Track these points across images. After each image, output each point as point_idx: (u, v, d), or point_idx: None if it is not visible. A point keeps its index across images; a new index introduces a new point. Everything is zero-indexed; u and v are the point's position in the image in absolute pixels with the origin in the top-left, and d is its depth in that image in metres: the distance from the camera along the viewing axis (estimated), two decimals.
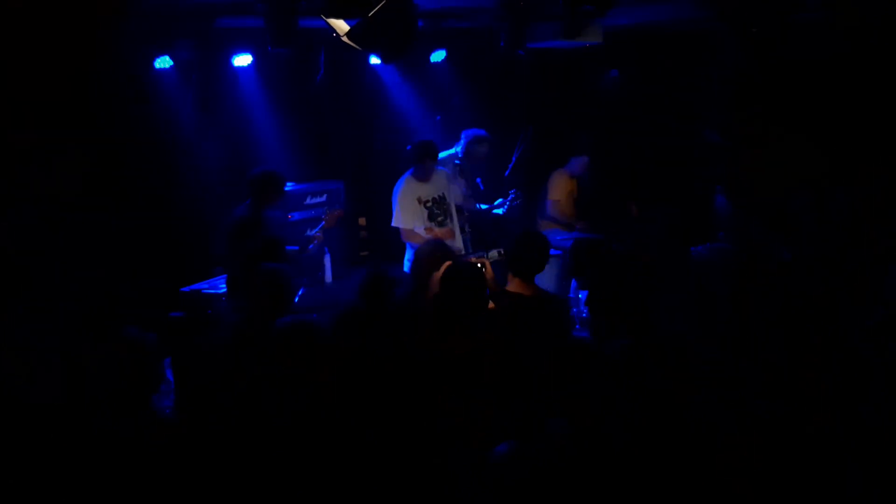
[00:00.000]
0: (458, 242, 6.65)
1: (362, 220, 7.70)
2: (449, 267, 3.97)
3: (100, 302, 5.84)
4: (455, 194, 6.93)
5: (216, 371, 3.73)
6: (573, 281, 7.68)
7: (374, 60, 7.56)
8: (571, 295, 7.60)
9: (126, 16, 5.77)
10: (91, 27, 5.34)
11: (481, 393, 3.09)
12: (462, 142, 7.29)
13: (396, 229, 6.50)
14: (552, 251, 7.55)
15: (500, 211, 7.40)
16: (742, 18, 5.88)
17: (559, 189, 7.94)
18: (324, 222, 6.22)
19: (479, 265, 5.56)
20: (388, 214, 6.60)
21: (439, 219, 6.48)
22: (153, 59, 6.45)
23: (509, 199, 7.42)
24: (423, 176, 6.46)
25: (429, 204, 6.46)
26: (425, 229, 6.46)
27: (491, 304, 4.10)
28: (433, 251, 4.55)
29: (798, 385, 2.97)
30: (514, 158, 7.95)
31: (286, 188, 6.25)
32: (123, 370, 3.18)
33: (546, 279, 7.43)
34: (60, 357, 3.88)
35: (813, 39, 6.93)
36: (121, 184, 6.54)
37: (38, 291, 5.20)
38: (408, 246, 6.49)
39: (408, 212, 6.43)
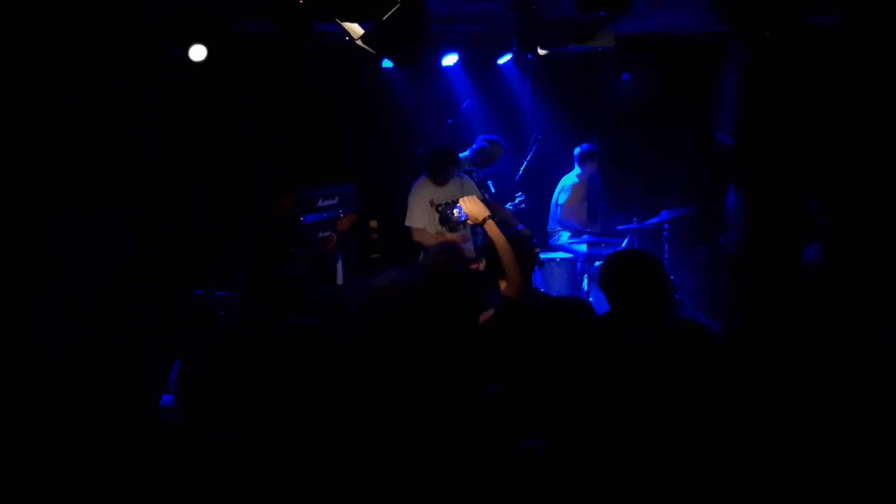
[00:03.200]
0: (469, 247, 6.66)
1: (374, 223, 7.72)
2: (447, 271, 3.96)
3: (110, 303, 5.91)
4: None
5: (224, 372, 3.75)
6: (584, 281, 7.71)
7: (387, 63, 7.59)
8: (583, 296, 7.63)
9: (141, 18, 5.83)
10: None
11: (490, 393, 3.10)
12: (476, 146, 7.30)
13: (408, 229, 6.52)
14: (564, 255, 7.64)
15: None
16: (754, 22, 5.88)
17: (574, 192, 7.95)
18: (336, 225, 6.23)
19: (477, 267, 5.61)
20: (400, 217, 6.62)
21: (450, 224, 6.48)
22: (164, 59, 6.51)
23: (516, 201, 7.43)
24: (438, 179, 6.47)
25: (440, 208, 6.45)
26: (436, 233, 6.46)
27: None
28: (442, 255, 4.50)
29: (800, 384, 2.99)
30: (525, 162, 7.97)
31: (300, 192, 6.29)
32: (130, 372, 3.20)
33: (558, 281, 7.47)
34: (72, 358, 3.91)
35: (826, 43, 6.91)
36: (130, 185, 6.60)
37: (51, 292, 5.25)
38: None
39: (419, 213, 6.44)
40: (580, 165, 7.96)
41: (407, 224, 6.50)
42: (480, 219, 4.21)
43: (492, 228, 4.14)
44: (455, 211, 4.46)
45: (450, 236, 6.50)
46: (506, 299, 4.03)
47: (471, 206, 4.28)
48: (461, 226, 6.52)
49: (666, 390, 2.57)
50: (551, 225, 8.10)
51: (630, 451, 2.54)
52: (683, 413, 2.65)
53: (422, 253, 6.45)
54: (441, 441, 3.03)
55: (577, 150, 7.96)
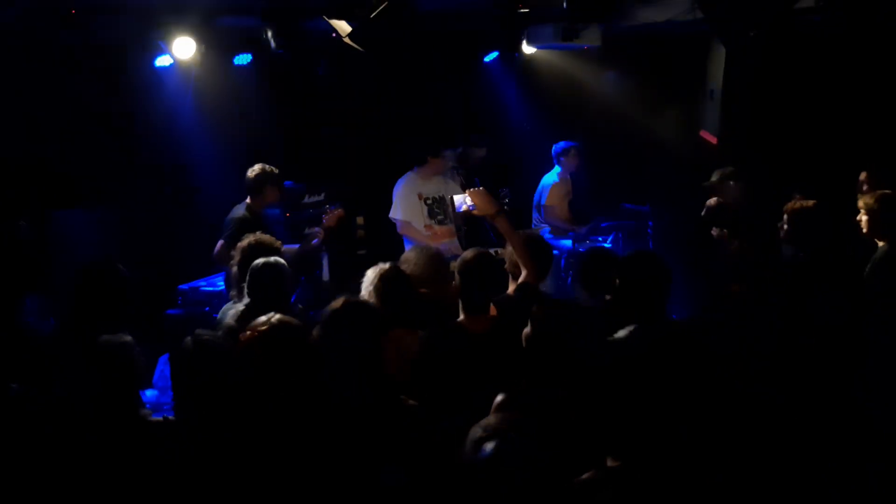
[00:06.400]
0: (456, 242, 6.68)
1: (360, 219, 7.72)
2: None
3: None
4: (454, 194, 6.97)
5: (214, 368, 3.74)
6: (568, 277, 7.74)
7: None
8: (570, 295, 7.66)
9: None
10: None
11: (482, 394, 3.13)
12: (463, 144, 7.33)
13: (393, 225, 6.52)
14: (553, 254, 7.65)
15: None
16: (739, 22, 5.92)
17: (554, 191, 7.98)
18: (324, 220, 6.23)
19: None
20: (386, 213, 6.63)
21: (439, 217, 6.51)
22: (154, 57, 6.49)
23: (499, 198, 7.45)
24: (426, 173, 6.50)
25: (429, 201, 6.48)
26: (425, 226, 6.48)
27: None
28: (422, 258, 4.47)
29: (797, 379, 3.04)
30: (511, 160, 8.00)
31: (284, 186, 6.29)
32: (113, 367, 3.21)
33: None
34: (57, 353, 3.91)
35: (811, 42, 6.97)
36: (120, 181, 6.58)
37: (36, 287, 5.24)
38: (405, 242, 6.52)
39: (407, 206, 6.45)
40: (558, 164, 8.00)
41: (392, 217, 6.50)
42: (492, 212, 4.26)
43: (502, 223, 4.18)
44: (466, 201, 4.50)
45: (438, 230, 6.52)
46: (525, 286, 4.10)
47: (482, 200, 4.32)
48: (448, 219, 6.55)
49: (656, 389, 2.59)
50: (534, 222, 8.13)
51: (625, 450, 2.57)
52: (672, 410, 2.69)
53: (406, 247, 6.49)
54: (435, 441, 3.05)
55: (553, 149, 8.01)
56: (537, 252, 4.23)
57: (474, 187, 7.10)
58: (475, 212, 4.44)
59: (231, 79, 7.15)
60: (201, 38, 6.52)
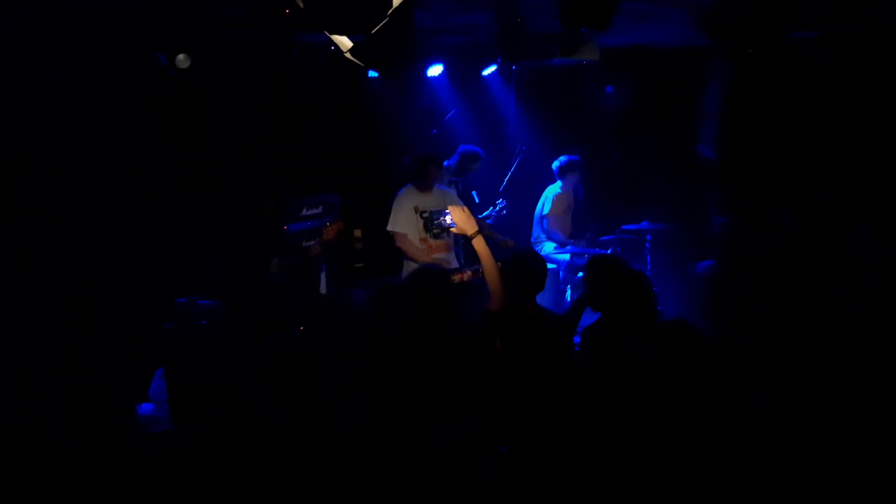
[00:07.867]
0: (452, 255, 6.68)
1: (358, 233, 7.72)
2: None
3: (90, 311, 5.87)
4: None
5: (211, 381, 3.74)
6: (567, 294, 7.75)
7: (373, 73, 7.62)
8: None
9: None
10: None
11: (483, 407, 3.13)
12: (456, 156, 7.34)
13: (390, 237, 6.51)
14: (547, 265, 7.65)
15: (488, 221, 7.45)
16: (737, 38, 5.95)
17: (555, 204, 7.99)
18: (322, 234, 6.23)
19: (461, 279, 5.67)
20: (384, 227, 6.63)
21: (435, 231, 6.50)
22: (150, 67, 6.51)
23: (496, 208, 7.45)
24: (423, 186, 6.49)
25: (425, 215, 6.46)
26: (420, 240, 6.47)
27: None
28: (428, 277, 4.46)
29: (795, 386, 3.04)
30: (509, 173, 8.00)
31: (283, 200, 6.29)
32: (107, 381, 3.21)
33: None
34: (49, 366, 3.90)
35: (807, 58, 7.00)
36: (118, 192, 6.57)
37: (30, 300, 5.22)
38: (406, 255, 6.53)
39: (403, 218, 6.45)
40: (560, 178, 8.01)
41: (389, 229, 6.49)
42: (469, 233, 4.23)
43: (479, 244, 4.16)
44: (445, 218, 4.47)
45: (433, 243, 6.51)
46: (487, 312, 4.06)
47: (461, 218, 4.29)
48: (445, 233, 6.54)
49: (672, 395, 2.59)
50: (535, 234, 8.14)
51: (632, 455, 2.57)
52: (687, 414, 2.68)
53: (405, 262, 6.48)
54: (425, 449, 3.05)
55: (555, 165, 8.01)
56: (518, 274, 4.18)
57: (471, 202, 7.19)
58: (454, 229, 4.41)
59: (230, 92, 7.16)
60: (199, 51, 6.54)
